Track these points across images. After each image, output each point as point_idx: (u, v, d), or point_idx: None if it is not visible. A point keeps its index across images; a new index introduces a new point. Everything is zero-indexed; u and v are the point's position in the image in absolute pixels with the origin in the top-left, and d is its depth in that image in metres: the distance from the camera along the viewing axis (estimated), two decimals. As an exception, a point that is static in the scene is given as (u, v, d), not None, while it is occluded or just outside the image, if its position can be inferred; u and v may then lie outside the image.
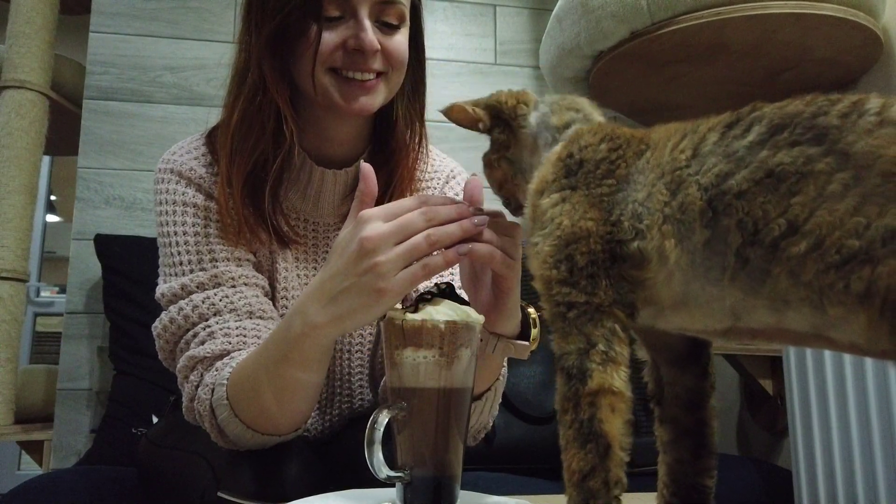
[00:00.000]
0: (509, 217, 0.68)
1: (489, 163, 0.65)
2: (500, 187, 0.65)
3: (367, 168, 0.67)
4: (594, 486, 0.42)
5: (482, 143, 0.67)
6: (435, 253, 0.62)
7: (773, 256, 0.37)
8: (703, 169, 0.41)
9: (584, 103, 0.62)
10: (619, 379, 0.44)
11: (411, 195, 0.94)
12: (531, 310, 0.75)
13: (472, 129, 0.67)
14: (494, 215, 0.66)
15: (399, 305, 0.62)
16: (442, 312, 0.58)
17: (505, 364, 0.87)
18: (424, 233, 0.61)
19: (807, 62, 1.33)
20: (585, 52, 1.41)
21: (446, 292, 0.63)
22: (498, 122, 0.64)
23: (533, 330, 0.75)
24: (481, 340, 0.69)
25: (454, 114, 0.66)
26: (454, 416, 0.59)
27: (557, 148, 0.56)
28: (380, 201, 0.91)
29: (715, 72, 1.37)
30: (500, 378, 0.86)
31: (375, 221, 0.62)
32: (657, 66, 1.37)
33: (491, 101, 0.65)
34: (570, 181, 0.50)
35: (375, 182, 0.67)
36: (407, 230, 0.61)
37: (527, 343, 0.74)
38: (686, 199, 0.41)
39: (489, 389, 0.84)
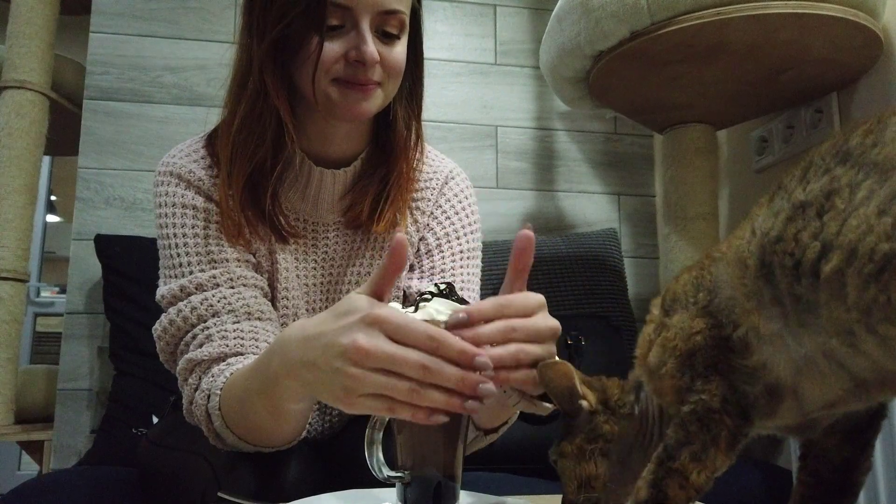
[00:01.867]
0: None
1: (576, 455, 0.55)
2: (580, 484, 0.54)
3: (400, 241, 0.59)
4: None
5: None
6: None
7: (816, 283, 0.36)
8: (755, 238, 0.43)
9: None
10: (697, 476, 0.45)
11: (410, 194, 0.94)
12: None
13: (556, 399, 0.57)
14: (512, 312, 0.58)
15: (400, 306, 0.62)
16: (442, 312, 0.58)
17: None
18: (411, 387, 0.53)
19: (807, 62, 1.33)
20: (585, 52, 1.41)
21: (446, 292, 0.63)
22: (605, 408, 0.56)
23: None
24: (504, 391, 0.63)
25: (552, 374, 0.57)
26: (454, 416, 0.59)
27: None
28: (377, 201, 0.91)
29: (715, 72, 1.37)
30: (509, 422, 0.84)
31: (378, 332, 0.55)
32: (657, 66, 1.37)
33: (601, 384, 0.57)
34: (668, 312, 0.51)
35: (405, 258, 0.60)
36: (399, 367, 0.54)
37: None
38: (751, 270, 0.42)
39: (505, 423, 0.83)
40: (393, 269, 0.59)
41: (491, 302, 0.58)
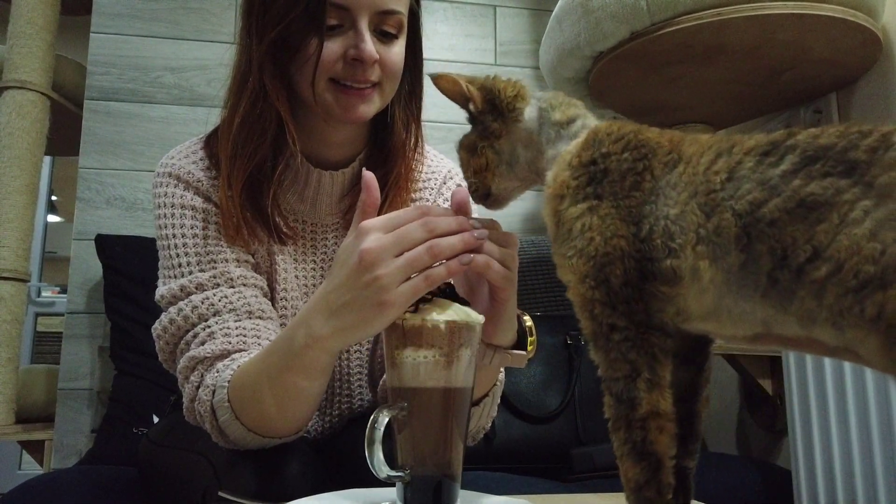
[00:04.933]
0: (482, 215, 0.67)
1: (471, 147, 0.64)
2: (475, 173, 0.64)
3: (369, 177, 0.66)
4: (650, 496, 0.47)
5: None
6: (437, 264, 0.61)
7: (799, 280, 0.39)
8: (737, 194, 0.43)
9: (580, 102, 0.62)
10: (664, 402, 0.47)
11: (409, 195, 0.94)
12: (526, 318, 0.75)
13: (456, 103, 0.66)
14: (489, 226, 0.65)
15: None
16: (442, 312, 0.59)
17: (502, 369, 0.87)
18: (426, 244, 0.60)
19: (807, 62, 1.33)
20: (585, 52, 1.41)
21: (446, 292, 0.63)
22: (491, 108, 0.63)
23: (529, 338, 0.74)
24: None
25: (444, 83, 0.65)
26: (454, 415, 0.59)
27: (572, 148, 0.55)
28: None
29: (715, 72, 1.37)
30: (498, 384, 0.86)
31: (375, 233, 0.61)
32: (657, 67, 1.37)
33: (488, 83, 0.64)
34: (595, 189, 0.51)
35: (378, 192, 0.67)
36: (407, 242, 0.60)
37: (524, 353, 0.74)
38: (721, 223, 0.43)
39: (487, 395, 0.84)
40: (370, 202, 0.66)
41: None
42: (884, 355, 0.35)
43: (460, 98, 0.64)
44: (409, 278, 0.60)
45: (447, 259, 0.61)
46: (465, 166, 0.65)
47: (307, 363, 0.68)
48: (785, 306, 0.40)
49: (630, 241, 0.48)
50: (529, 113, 0.62)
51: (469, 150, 0.64)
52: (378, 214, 0.65)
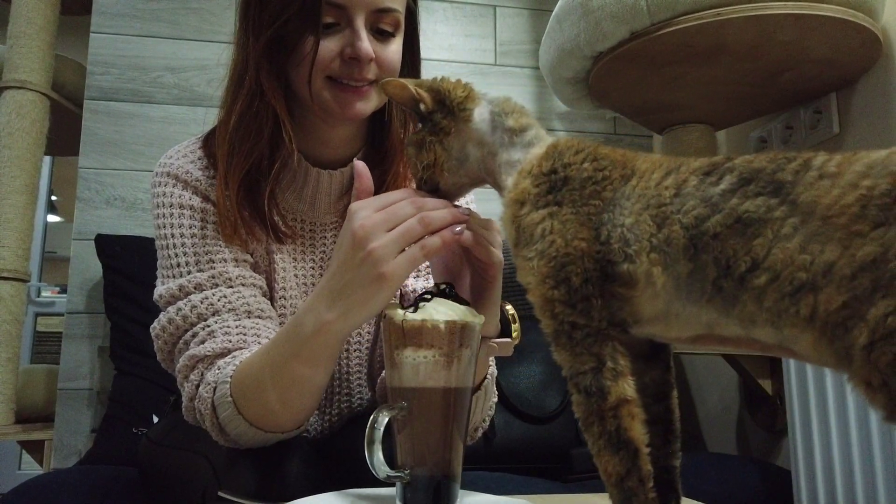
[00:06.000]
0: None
1: (420, 143, 0.65)
2: (424, 168, 0.66)
3: (361, 165, 0.69)
4: (632, 486, 0.48)
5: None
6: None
7: (742, 287, 0.43)
8: (683, 209, 0.47)
9: (528, 111, 0.65)
10: (629, 388, 0.49)
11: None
12: (509, 307, 0.76)
13: (407, 108, 0.68)
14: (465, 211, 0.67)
15: (399, 306, 0.62)
16: (442, 312, 0.59)
17: (493, 363, 0.87)
18: (417, 216, 0.62)
19: (806, 63, 1.33)
20: (585, 52, 1.41)
21: (446, 292, 0.63)
22: (441, 107, 0.65)
23: (513, 325, 0.75)
24: None
25: (392, 88, 0.67)
26: (454, 415, 0.59)
27: (532, 158, 0.58)
28: None
29: (715, 72, 1.37)
30: (489, 377, 0.86)
31: (365, 211, 0.63)
32: (657, 67, 1.38)
33: (435, 85, 0.66)
34: (556, 197, 0.54)
35: (371, 178, 0.69)
36: (397, 216, 0.62)
37: (509, 340, 0.74)
38: (671, 234, 0.47)
39: (479, 389, 0.84)
40: (363, 190, 0.67)
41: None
42: (816, 349, 0.40)
43: (410, 101, 0.66)
44: (404, 250, 0.62)
45: (439, 230, 0.62)
46: (412, 162, 0.67)
47: (316, 350, 0.69)
48: (728, 310, 0.44)
49: (590, 243, 0.51)
50: (480, 114, 0.63)
51: (417, 146, 0.66)
52: (364, 177, 0.68)
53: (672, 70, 1.38)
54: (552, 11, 1.53)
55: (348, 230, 0.63)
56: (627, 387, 0.49)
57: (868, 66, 1.35)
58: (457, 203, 0.67)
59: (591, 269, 0.50)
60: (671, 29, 1.24)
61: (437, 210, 0.63)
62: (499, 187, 0.62)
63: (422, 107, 0.65)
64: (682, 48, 1.28)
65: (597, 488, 0.54)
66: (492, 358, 0.85)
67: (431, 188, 0.66)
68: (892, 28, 1.31)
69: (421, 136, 0.65)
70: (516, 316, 0.75)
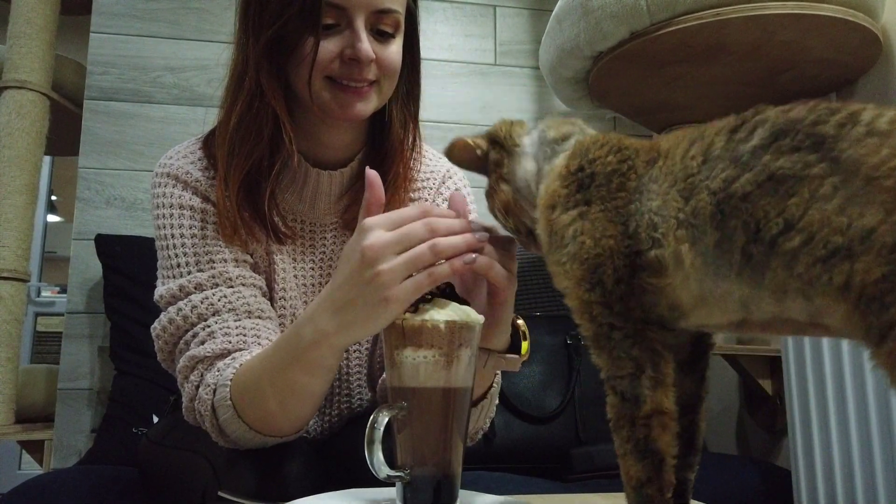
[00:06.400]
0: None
1: (490, 190, 0.65)
2: (505, 214, 0.64)
3: (373, 176, 0.66)
4: (651, 493, 0.47)
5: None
6: (439, 262, 0.61)
7: (772, 251, 0.40)
8: (712, 174, 0.44)
9: (578, 120, 0.63)
10: (668, 400, 0.48)
11: (407, 195, 0.95)
12: (520, 322, 0.75)
13: (473, 166, 0.67)
14: (488, 229, 0.66)
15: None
16: (442, 312, 0.59)
17: (498, 371, 0.87)
18: (429, 242, 0.60)
19: (806, 63, 1.33)
20: (585, 52, 1.41)
21: (446, 292, 0.63)
22: (494, 145, 0.65)
23: (523, 343, 0.74)
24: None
25: (456, 151, 0.67)
26: (454, 415, 0.59)
27: (561, 160, 0.57)
28: None
29: (715, 72, 1.37)
30: (495, 385, 0.86)
31: (378, 230, 0.61)
32: (657, 67, 1.38)
33: (490, 128, 0.66)
34: (584, 195, 0.52)
35: (382, 190, 0.67)
36: (409, 239, 0.61)
37: (518, 356, 0.74)
38: (698, 204, 0.44)
39: (484, 397, 0.84)
40: (374, 200, 0.66)
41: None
42: (850, 322, 0.37)
43: (473, 156, 0.66)
44: (411, 275, 0.60)
45: (450, 258, 0.61)
46: (494, 210, 0.66)
47: (313, 360, 0.68)
48: (758, 281, 0.41)
49: (618, 240, 0.49)
50: (530, 139, 0.63)
51: (490, 195, 0.65)
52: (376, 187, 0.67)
53: (672, 70, 1.38)
54: (552, 11, 1.53)
55: (358, 246, 0.61)
56: (665, 399, 0.47)
57: (868, 66, 1.35)
58: (473, 218, 0.65)
59: (621, 266, 0.48)
60: (671, 29, 1.24)
61: (450, 238, 0.61)
62: None
63: (478, 152, 0.64)
64: (682, 48, 1.28)
65: (597, 488, 0.54)
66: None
67: (526, 233, 0.64)
68: (891, 28, 1.31)
69: (488, 183, 0.65)
70: (527, 333, 0.75)
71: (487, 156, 0.65)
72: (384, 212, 0.66)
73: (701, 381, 0.54)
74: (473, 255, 0.62)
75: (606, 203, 0.50)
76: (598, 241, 0.49)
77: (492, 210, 0.66)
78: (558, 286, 0.53)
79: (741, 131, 0.44)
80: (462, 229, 0.62)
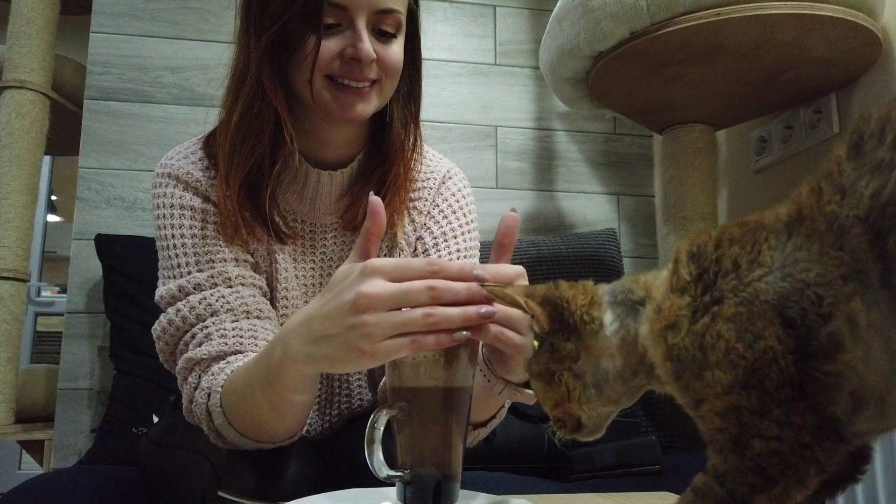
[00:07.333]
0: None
1: (544, 376, 0.51)
2: (555, 406, 0.51)
3: (376, 204, 0.63)
4: None
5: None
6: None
7: None
8: (856, 199, 0.36)
9: (637, 276, 0.52)
10: None
11: (407, 195, 0.94)
12: None
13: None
14: (510, 279, 0.60)
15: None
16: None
17: None
18: (424, 311, 0.55)
19: (806, 62, 1.33)
20: (585, 52, 1.41)
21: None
22: (561, 325, 0.50)
23: None
24: (488, 381, 0.69)
25: (502, 302, 0.56)
26: (454, 415, 0.59)
27: (662, 281, 0.46)
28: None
29: (715, 72, 1.37)
30: (505, 405, 0.84)
31: (378, 278, 0.57)
32: (657, 67, 1.38)
33: (551, 295, 0.51)
34: (712, 295, 0.41)
35: (384, 219, 0.63)
36: (407, 299, 0.56)
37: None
38: (854, 241, 0.35)
39: (494, 417, 0.83)
40: (374, 230, 0.62)
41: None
42: None
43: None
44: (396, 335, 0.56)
45: (441, 330, 0.56)
46: (542, 398, 0.53)
47: (285, 378, 0.67)
48: None
49: (782, 339, 0.38)
50: (609, 317, 0.49)
51: (544, 380, 0.51)
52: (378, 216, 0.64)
53: (672, 70, 1.38)
54: (552, 11, 1.53)
55: (354, 288, 0.57)
56: None
57: (868, 65, 1.35)
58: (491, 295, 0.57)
59: (789, 366, 0.38)
60: (671, 29, 1.24)
61: (448, 310, 0.56)
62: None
63: (535, 328, 0.52)
64: (682, 48, 1.28)
65: (597, 488, 0.54)
66: None
67: (572, 428, 0.52)
68: (891, 28, 1.31)
69: (543, 366, 0.51)
70: None
71: (548, 333, 0.51)
72: (384, 212, 0.64)
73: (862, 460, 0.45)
74: (465, 333, 0.57)
75: (741, 293, 0.40)
76: (754, 344, 0.39)
77: (533, 385, 0.53)
78: (703, 409, 0.42)
79: (867, 142, 0.37)
80: (467, 299, 0.57)
